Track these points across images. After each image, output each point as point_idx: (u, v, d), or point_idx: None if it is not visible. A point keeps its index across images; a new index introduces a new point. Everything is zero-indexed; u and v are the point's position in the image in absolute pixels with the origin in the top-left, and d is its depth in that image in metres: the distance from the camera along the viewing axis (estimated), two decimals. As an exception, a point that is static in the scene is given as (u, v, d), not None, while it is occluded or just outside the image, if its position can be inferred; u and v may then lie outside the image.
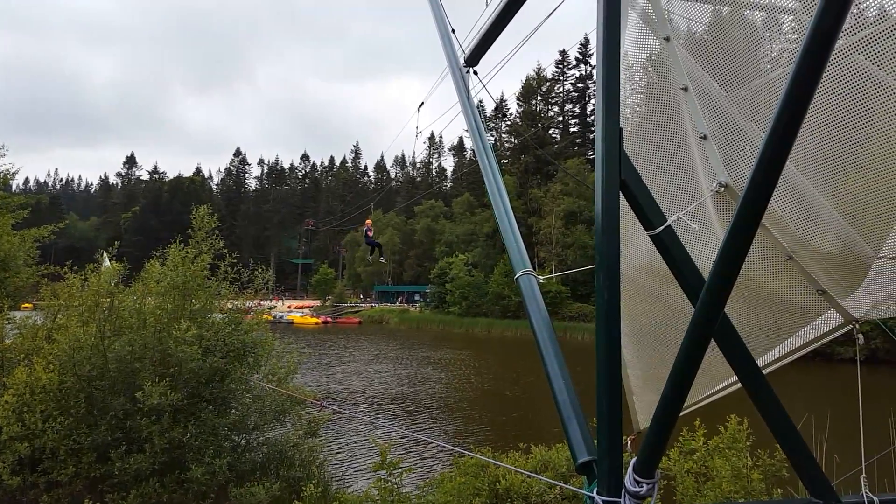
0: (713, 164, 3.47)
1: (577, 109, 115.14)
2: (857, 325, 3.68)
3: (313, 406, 12.82)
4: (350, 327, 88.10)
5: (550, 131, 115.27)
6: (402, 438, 19.76)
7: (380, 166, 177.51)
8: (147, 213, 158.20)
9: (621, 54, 3.76)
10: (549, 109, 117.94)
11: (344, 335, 70.43)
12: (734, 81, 3.56)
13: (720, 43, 3.64)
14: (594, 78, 3.87)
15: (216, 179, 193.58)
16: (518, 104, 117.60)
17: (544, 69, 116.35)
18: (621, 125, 3.33)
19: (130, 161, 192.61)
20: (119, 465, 10.02)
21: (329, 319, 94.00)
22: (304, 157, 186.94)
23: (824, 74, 3.02)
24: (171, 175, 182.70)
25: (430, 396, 31.72)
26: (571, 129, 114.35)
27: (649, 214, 3.24)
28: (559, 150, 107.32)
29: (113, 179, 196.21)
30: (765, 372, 4.02)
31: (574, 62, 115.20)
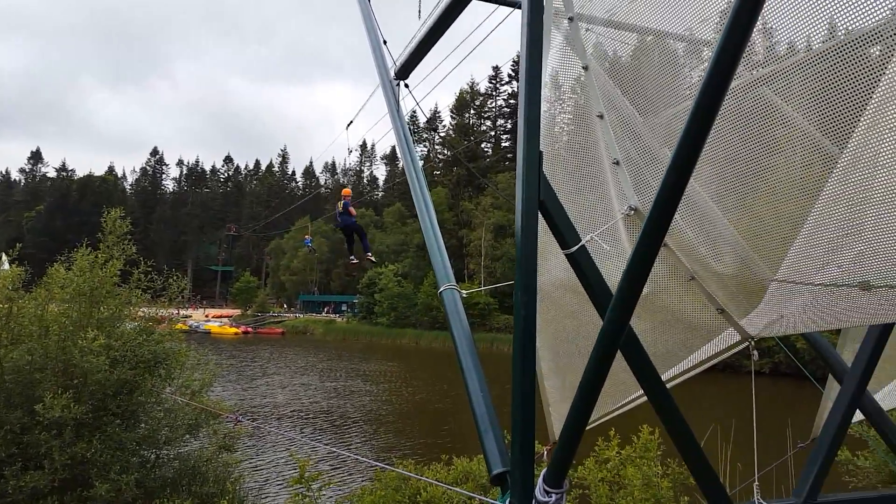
0: (625, 188, 3.66)
1: (508, 125, 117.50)
2: (753, 343, 3.95)
3: (230, 420, 12.44)
4: (272, 338, 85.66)
5: (483, 145, 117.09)
6: (328, 454, 19.46)
7: (308, 172, 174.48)
8: (53, 212, 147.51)
9: (549, 75, 3.92)
10: (481, 123, 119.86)
11: (267, 346, 68.53)
12: (651, 108, 3.77)
13: (640, 71, 3.85)
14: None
15: (130, 179, 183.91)
16: (451, 116, 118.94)
17: (478, 84, 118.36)
18: (543, 148, 3.48)
19: (36, 156, 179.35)
20: (13, 484, 9.35)
21: (249, 329, 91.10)
22: (228, 160, 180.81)
23: (734, 105, 3.29)
24: (80, 173, 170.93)
25: (358, 409, 31.36)
26: (503, 144, 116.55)
27: (565, 234, 3.39)
28: (490, 163, 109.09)
29: (15, 175, 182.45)
30: (669, 385, 4.26)
31: (507, 78, 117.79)
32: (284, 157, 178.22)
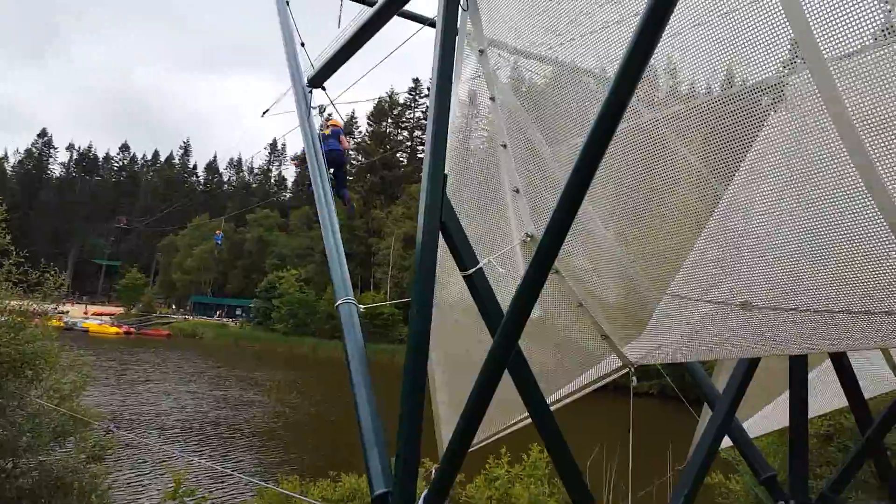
0: (523, 215, 3.82)
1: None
2: (633, 369, 4.20)
3: (102, 428, 11.58)
4: (157, 340, 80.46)
5: (399, 154, 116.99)
6: (210, 468, 18.52)
7: (212, 167, 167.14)
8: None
9: (467, 94, 4.02)
10: (398, 133, 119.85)
11: (152, 349, 64.33)
12: (558, 137, 3.94)
13: (551, 100, 4.01)
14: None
15: (13, 161, 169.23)
16: (369, 124, 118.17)
17: (397, 94, 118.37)
18: (449, 170, 3.56)
19: None
20: None
21: (132, 330, 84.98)
22: (124, 148, 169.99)
23: (634, 141, 3.51)
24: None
25: (249, 421, 29.92)
26: (419, 155, 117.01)
27: (463, 257, 3.48)
28: (406, 173, 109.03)
29: None
30: (555, 407, 4.43)
31: (427, 91, 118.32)
32: (187, 150, 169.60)
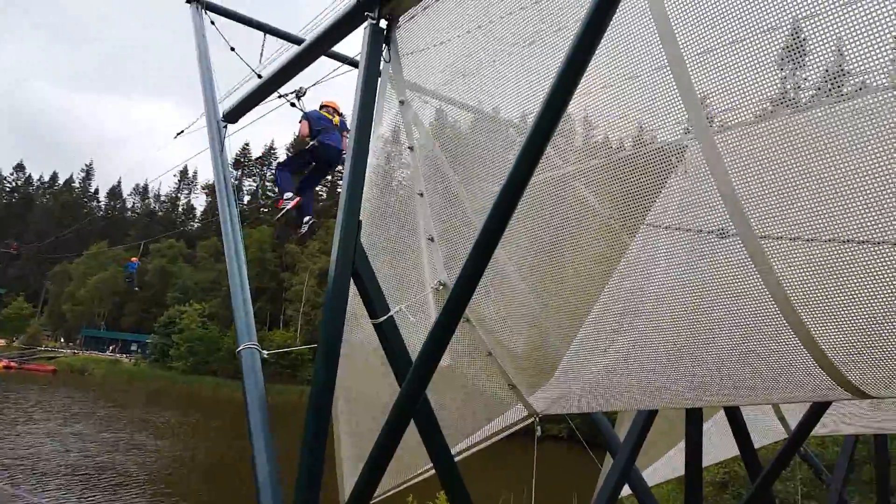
0: (436, 264, 3.88)
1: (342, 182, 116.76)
2: (538, 419, 4.29)
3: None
4: (42, 376, 73.84)
5: (317, 188, 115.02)
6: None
7: (115, 193, 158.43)
8: None
9: (383, 140, 4.06)
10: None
11: (35, 386, 59.05)
12: (477, 185, 4.03)
13: (472, 148, 4.12)
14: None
15: None
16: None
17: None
18: (364, 215, 3.58)
19: None
20: None
21: (13, 364, 77.73)
22: (20, 168, 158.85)
23: (548, 191, 3.65)
24: None
25: (142, 466, 27.55)
26: (339, 189, 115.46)
27: (375, 304, 3.48)
28: (325, 207, 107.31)
29: None
30: (462, 457, 4.45)
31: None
32: (89, 173, 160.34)
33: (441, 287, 3.83)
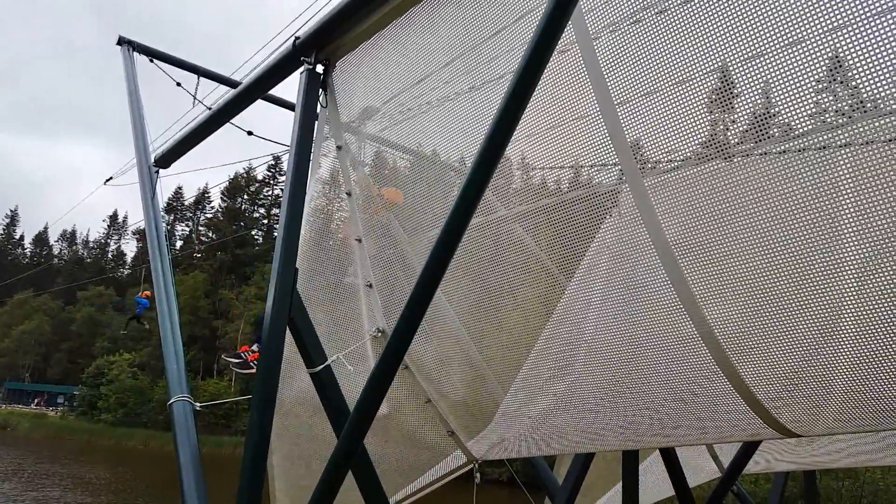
0: (375, 311, 3.84)
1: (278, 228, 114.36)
2: (477, 465, 4.24)
3: None
4: (-42, 432, 68.36)
5: (254, 232, 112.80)
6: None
7: (41, 239, 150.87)
8: None
9: (323, 182, 4.03)
10: (255, 210, 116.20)
11: (-49, 444, 54.16)
12: (418, 229, 4.03)
13: (412, 192, 4.12)
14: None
15: None
16: (222, 199, 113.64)
17: (255, 169, 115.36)
18: (301, 264, 3.52)
19: None
20: None
21: (-74, 422, 71.94)
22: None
23: (487, 233, 3.68)
24: None
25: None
26: (275, 234, 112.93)
27: (312, 353, 3.40)
28: (260, 252, 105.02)
29: None
30: (402, 506, 4.33)
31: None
32: (13, 219, 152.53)
33: (380, 334, 3.78)
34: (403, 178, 4.19)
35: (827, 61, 2.28)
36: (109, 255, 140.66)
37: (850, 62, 2.22)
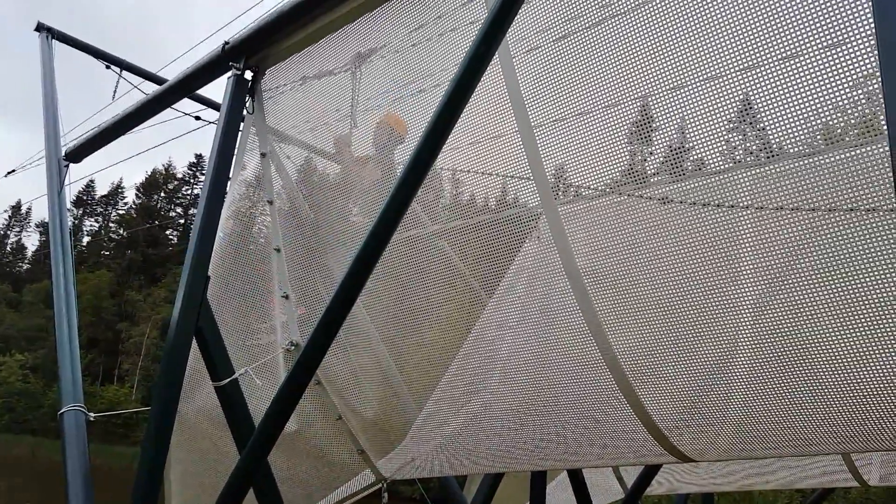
0: (290, 323, 3.75)
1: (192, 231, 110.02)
2: (385, 484, 4.19)
3: None
4: None
5: (168, 231, 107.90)
6: None
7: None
8: None
9: (234, 200, 3.91)
10: (172, 209, 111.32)
11: None
12: (336, 240, 3.97)
13: (330, 206, 4.07)
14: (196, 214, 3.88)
15: None
16: (137, 195, 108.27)
17: (175, 167, 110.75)
18: (213, 272, 3.40)
19: None
20: None
21: None
22: None
23: (413, 248, 3.65)
24: None
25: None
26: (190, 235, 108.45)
27: (218, 366, 3.27)
28: (175, 253, 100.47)
29: None
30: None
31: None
32: None
33: (293, 347, 3.69)
34: (328, 188, 4.14)
35: (738, 102, 2.43)
36: (8, 248, 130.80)
37: (759, 104, 2.37)
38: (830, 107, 2.15)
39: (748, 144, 2.51)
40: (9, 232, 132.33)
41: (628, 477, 7.08)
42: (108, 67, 6.52)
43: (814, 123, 2.22)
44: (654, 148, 2.70)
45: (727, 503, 23.96)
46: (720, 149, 2.53)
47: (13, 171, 9.12)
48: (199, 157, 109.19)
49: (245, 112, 3.90)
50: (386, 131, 3.60)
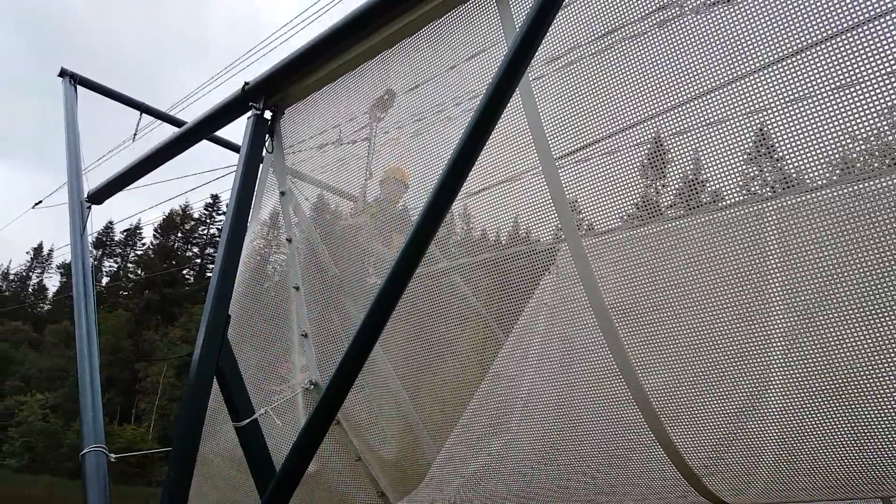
0: (309, 362, 3.71)
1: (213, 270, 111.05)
2: (407, 528, 4.08)
3: None
4: None
5: (185, 272, 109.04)
6: None
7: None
8: None
9: (261, 223, 3.92)
10: (188, 249, 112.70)
11: None
12: (357, 277, 3.95)
13: (352, 239, 4.05)
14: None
15: None
16: (155, 236, 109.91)
17: (191, 207, 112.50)
18: (234, 306, 3.38)
19: None
20: None
21: None
22: None
23: (423, 284, 3.61)
24: None
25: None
26: (208, 274, 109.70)
27: (238, 406, 3.23)
28: (191, 292, 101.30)
29: None
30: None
31: (226, 208, 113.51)
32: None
33: (312, 387, 3.65)
34: (346, 228, 4.14)
35: (752, 137, 2.40)
36: (30, 290, 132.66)
37: (774, 139, 2.34)
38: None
39: (766, 177, 2.48)
40: (31, 273, 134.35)
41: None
42: (112, 121, 6.66)
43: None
44: (668, 181, 2.68)
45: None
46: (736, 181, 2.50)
47: (40, 202, 9.25)
48: (215, 197, 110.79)
49: (265, 151, 3.94)
50: (391, 184, 3.64)
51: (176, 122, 7.01)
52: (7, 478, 65.09)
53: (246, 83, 3.76)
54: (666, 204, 2.74)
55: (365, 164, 3.60)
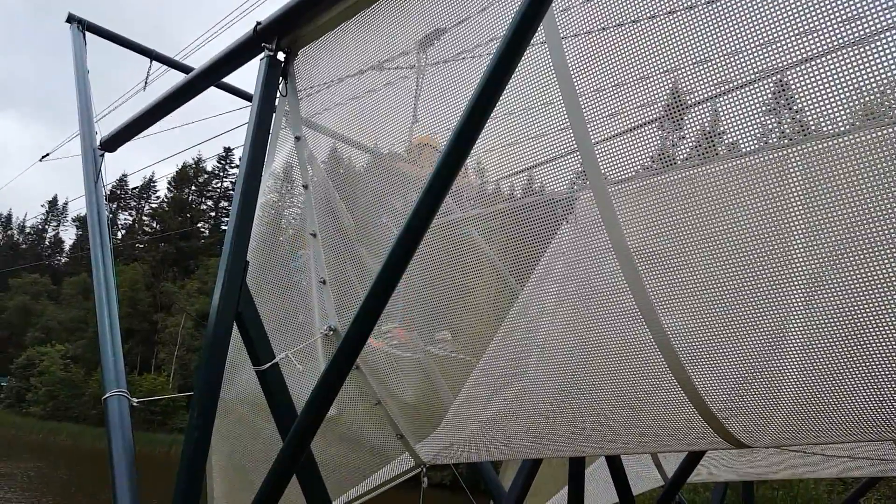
0: (328, 308, 3.73)
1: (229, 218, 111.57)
2: (425, 469, 4.18)
3: None
4: None
5: (200, 224, 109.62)
6: None
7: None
8: None
9: (274, 176, 3.89)
10: (202, 202, 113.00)
11: None
12: (371, 225, 3.93)
13: (367, 187, 4.02)
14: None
15: None
16: (169, 189, 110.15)
17: (205, 160, 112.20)
18: (252, 256, 3.38)
19: None
20: None
21: None
22: None
23: (444, 234, 3.60)
24: None
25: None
26: (223, 227, 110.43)
27: (259, 351, 3.27)
28: (206, 245, 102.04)
29: None
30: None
31: (238, 161, 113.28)
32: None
33: (332, 332, 3.68)
34: (361, 174, 4.09)
35: (772, 87, 2.32)
36: (47, 242, 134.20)
37: (794, 90, 2.26)
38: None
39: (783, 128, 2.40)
40: (47, 226, 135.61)
41: (667, 465, 6.96)
42: (122, 68, 6.57)
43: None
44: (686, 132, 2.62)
45: (767, 491, 23.56)
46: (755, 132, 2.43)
47: (47, 154, 9.23)
48: (227, 149, 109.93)
49: (278, 95, 3.86)
50: (429, 150, 3.56)
51: (187, 70, 6.90)
52: (33, 426, 67.30)
53: (258, 23, 3.66)
54: (684, 154, 2.68)
55: (387, 106, 3.52)
